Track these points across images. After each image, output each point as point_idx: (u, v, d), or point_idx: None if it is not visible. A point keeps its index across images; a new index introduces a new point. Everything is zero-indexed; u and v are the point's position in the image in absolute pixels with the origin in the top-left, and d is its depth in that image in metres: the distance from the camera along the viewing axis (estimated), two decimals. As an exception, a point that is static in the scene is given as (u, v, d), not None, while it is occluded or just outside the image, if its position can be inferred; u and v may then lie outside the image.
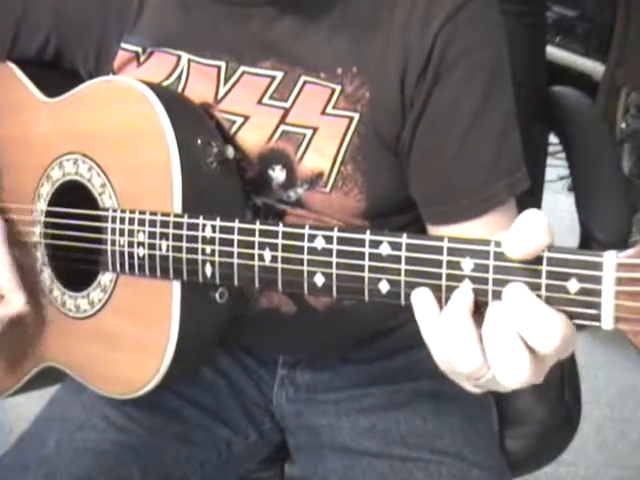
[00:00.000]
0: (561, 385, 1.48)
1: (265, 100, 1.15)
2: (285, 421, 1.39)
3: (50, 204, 1.23)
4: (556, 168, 2.31)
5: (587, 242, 1.41)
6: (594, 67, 3.04)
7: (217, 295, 1.08)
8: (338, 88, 1.12)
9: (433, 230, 1.16)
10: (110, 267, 1.14)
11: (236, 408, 1.37)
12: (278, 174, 1.15)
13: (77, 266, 1.19)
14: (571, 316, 0.79)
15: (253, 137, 1.16)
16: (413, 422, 1.29)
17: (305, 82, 1.13)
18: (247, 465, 1.40)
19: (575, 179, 1.53)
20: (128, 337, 1.15)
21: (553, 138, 1.68)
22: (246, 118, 1.16)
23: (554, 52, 3.09)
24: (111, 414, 1.28)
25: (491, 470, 1.26)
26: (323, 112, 1.13)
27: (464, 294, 0.82)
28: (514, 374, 0.80)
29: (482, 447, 1.29)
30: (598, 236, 1.39)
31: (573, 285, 0.77)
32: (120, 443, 1.25)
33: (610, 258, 0.76)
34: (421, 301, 0.84)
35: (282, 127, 1.14)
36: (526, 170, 1.15)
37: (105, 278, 1.16)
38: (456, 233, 1.11)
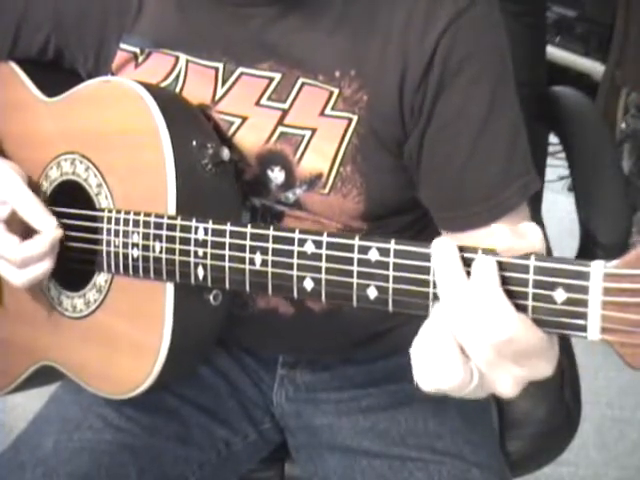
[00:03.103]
0: (561, 385, 1.48)
1: (263, 101, 1.15)
2: (285, 421, 1.39)
3: (48, 204, 1.23)
4: (556, 168, 2.30)
5: (587, 242, 1.41)
6: (594, 67, 3.04)
7: (211, 297, 1.09)
8: (336, 91, 1.12)
9: (448, 237, 1.15)
10: (105, 267, 1.15)
11: (235, 408, 1.37)
12: (277, 175, 1.15)
13: (74, 266, 1.20)
14: (557, 326, 0.78)
15: (251, 138, 1.16)
16: (413, 422, 1.29)
17: (303, 84, 1.13)
18: (247, 465, 1.40)
19: (575, 179, 1.53)
20: (122, 337, 1.15)
21: (553, 138, 1.67)
22: (244, 119, 1.16)
23: (554, 52, 3.09)
24: (109, 414, 1.28)
25: (491, 470, 1.26)
26: (322, 113, 1.13)
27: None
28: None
29: (482, 447, 1.29)
30: (598, 236, 1.39)
31: (560, 295, 0.77)
32: (117, 443, 1.25)
33: (597, 268, 0.76)
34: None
35: (280, 128, 1.14)
36: (536, 171, 1.15)
37: (100, 278, 1.17)
38: (471, 240, 1.11)
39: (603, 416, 2.50)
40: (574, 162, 1.54)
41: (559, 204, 2.73)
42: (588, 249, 1.40)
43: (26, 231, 1.20)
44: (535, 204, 1.65)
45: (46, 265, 1.18)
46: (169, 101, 1.14)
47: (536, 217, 1.64)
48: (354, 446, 1.30)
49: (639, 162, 2.79)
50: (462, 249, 0.83)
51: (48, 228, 1.18)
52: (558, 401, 1.48)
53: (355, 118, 1.12)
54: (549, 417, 1.47)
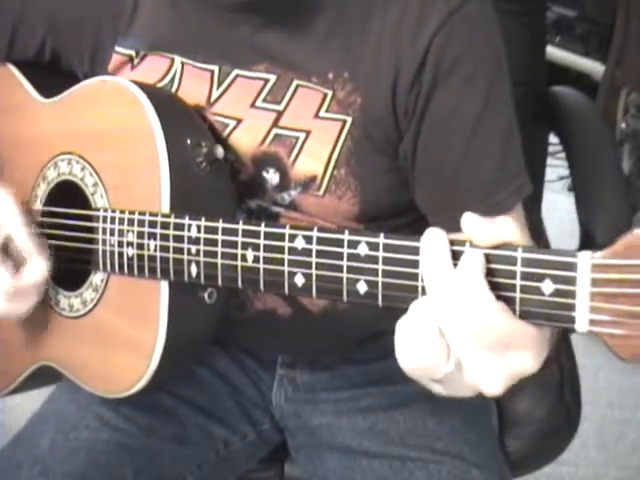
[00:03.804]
0: (561, 385, 1.48)
1: (258, 103, 1.15)
2: (284, 421, 1.38)
3: (46, 204, 1.24)
4: (556, 168, 2.30)
5: (587, 242, 1.41)
6: (594, 67, 3.04)
7: (206, 295, 1.09)
8: (330, 93, 1.12)
9: None
10: (101, 267, 1.15)
11: (234, 408, 1.37)
12: (272, 176, 1.15)
13: (71, 266, 1.20)
14: (546, 318, 0.78)
15: (246, 140, 1.16)
16: (412, 422, 1.29)
17: (298, 86, 1.13)
18: (246, 465, 1.40)
19: (575, 179, 1.52)
20: (118, 336, 1.16)
21: (553, 138, 1.67)
22: (239, 121, 1.16)
23: (554, 52, 3.08)
24: (106, 414, 1.28)
25: (491, 470, 1.26)
26: (316, 115, 1.13)
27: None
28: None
29: (482, 447, 1.29)
30: (598, 237, 1.38)
31: (547, 286, 0.77)
32: (114, 443, 1.25)
33: (585, 259, 0.76)
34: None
35: (275, 130, 1.14)
36: (528, 175, 1.14)
37: (97, 278, 1.17)
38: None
39: (603, 416, 2.50)
40: (574, 162, 1.53)
41: (559, 204, 2.72)
42: (588, 249, 1.39)
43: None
44: (535, 204, 1.65)
45: (28, 304, 1.19)
46: (163, 100, 1.14)
47: (536, 217, 1.65)
48: (354, 446, 1.30)
49: (639, 162, 2.78)
50: (452, 243, 0.83)
51: (38, 265, 1.18)
52: (558, 401, 1.48)
53: (349, 120, 1.12)
54: (549, 417, 1.47)
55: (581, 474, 2.34)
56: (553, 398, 1.48)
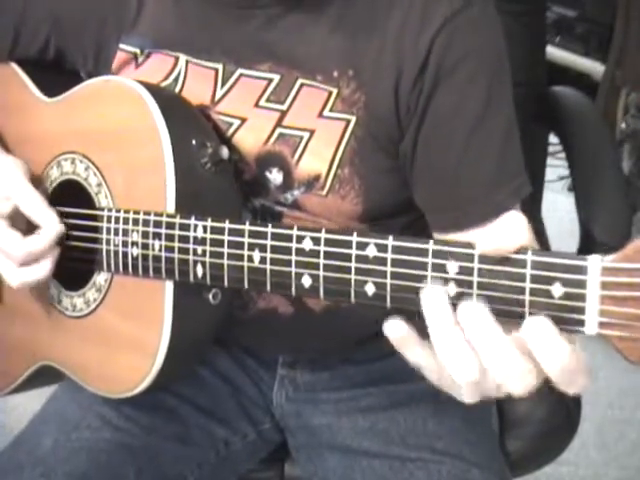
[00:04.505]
0: (561, 386, 1.48)
1: (262, 103, 1.15)
2: (285, 421, 1.38)
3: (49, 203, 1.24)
4: (556, 168, 2.31)
5: (587, 243, 1.41)
6: (594, 67, 3.05)
7: (210, 296, 1.09)
8: (335, 91, 1.12)
9: (439, 237, 1.14)
10: (105, 267, 1.15)
11: (235, 408, 1.37)
12: (275, 176, 1.15)
13: (74, 265, 1.20)
14: (555, 321, 0.78)
15: (250, 139, 1.16)
16: (413, 422, 1.29)
17: (302, 85, 1.13)
18: (246, 465, 1.40)
19: (575, 179, 1.53)
20: (122, 337, 1.15)
21: (553, 138, 1.67)
22: (243, 120, 1.16)
23: (554, 52, 3.09)
24: (107, 413, 1.28)
25: (491, 470, 1.26)
26: (320, 115, 1.13)
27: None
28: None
29: (482, 447, 1.29)
30: (598, 236, 1.39)
31: (557, 289, 0.77)
32: (116, 442, 1.25)
33: (595, 262, 0.75)
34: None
35: (279, 130, 1.14)
36: (526, 173, 1.14)
37: (100, 278, 1.17)
38: (466, 239, 1.11)
39: (603, 416, 2.50)
40: (574, 162, 1.54)
41: (559, 204, 2.72)
42: (588, 249, 1.40)
43: (29, 230, 1.19)
44: (535, 204, 1.66)
45: (46, 267, 1.17)
46: (169, 100, 1.14)
47: (536, 217, 1.65)
48: (354, 446, 1.30)
49: (639, 162, 2.79)
50: (452, 254, 0.83)
51: (50, 223, 1.17)
52: (558, 401, 1.48)
53: (353, 119, 1.12)
54: (549, 417, 1.47)
55: (581, 474, 2.34)
56: (553, 398, 1.48)
